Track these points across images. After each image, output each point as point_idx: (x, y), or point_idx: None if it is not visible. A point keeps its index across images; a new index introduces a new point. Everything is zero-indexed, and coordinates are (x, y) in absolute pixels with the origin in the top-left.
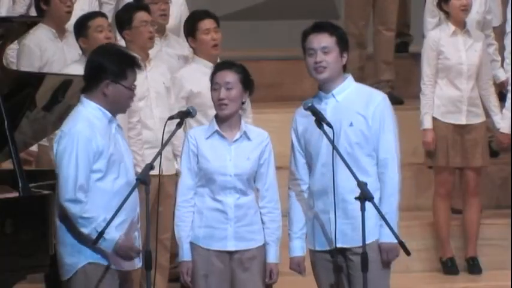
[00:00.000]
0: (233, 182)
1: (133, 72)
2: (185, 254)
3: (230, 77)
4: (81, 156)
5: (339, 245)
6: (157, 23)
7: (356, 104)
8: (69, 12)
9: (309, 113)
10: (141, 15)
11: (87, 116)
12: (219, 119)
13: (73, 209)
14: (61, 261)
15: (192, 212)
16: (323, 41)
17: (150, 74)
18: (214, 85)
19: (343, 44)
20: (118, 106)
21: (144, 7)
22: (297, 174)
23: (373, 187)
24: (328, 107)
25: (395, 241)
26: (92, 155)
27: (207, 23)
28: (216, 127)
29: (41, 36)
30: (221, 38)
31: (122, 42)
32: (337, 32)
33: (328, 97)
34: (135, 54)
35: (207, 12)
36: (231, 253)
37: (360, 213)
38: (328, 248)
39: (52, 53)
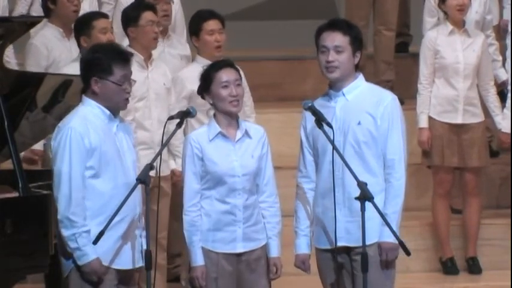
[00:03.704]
0: (242, 182)
1: (121, 67)
2: (198, 259)
3: (234, 74)
4: (74, 151)
5: (343, 244)
6: (160, 24)
7: (366, 103)
8: (76, 12)
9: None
10: (148, 15)
11: (84, 114)
12: (219, 119)
13: (63, 205)
14: (60, 258)
15: (200, 216)
16: (336, 40)
17: (151, 74)
18: (224, 83)
19: (356, 44)
20: (111, 103)
21: (151, 7)
22: (305, 172)
23: (379, 188)
24: (337, 105)
25: (396, 241)
26: (84, 151)
27: (211, 24)
28: (219, 128)
29: (48, 36)
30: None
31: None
32: (352, 31)
33: (338, 95)
34: (132, 51)
35: (213, 12)
36: (238, 255)
37: (366, 212)
38: (332, 247)
39: (59, 52)
